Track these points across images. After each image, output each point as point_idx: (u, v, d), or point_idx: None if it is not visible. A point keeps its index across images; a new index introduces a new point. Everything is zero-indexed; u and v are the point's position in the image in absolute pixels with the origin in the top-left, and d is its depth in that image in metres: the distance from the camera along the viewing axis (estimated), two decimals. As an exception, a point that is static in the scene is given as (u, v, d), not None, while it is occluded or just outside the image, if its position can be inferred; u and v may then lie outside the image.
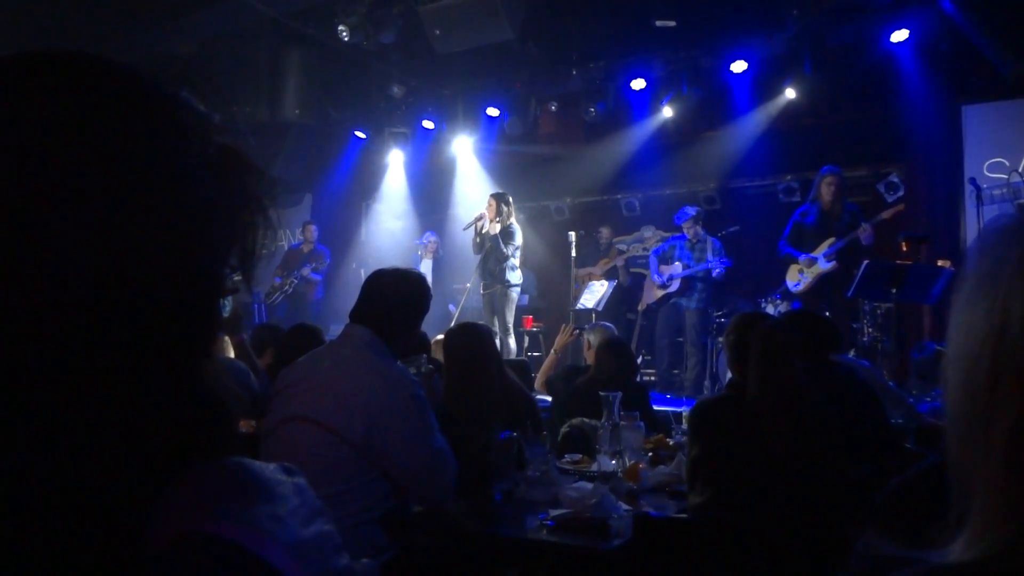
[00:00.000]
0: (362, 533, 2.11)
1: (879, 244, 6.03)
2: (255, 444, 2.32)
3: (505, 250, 6.64)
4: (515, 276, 6.80)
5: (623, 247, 8.67)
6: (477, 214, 6.89)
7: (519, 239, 6.81)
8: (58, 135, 0.45)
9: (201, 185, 0.51)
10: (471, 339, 3.07)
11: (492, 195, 6.91)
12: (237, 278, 0.56)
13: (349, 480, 2.13)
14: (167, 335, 0.48)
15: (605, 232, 8.54)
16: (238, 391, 2.98)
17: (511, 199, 6.89)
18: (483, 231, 6.80)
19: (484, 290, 6.90)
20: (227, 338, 3.51)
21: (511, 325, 6.81)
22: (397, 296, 2.39)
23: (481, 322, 5.08)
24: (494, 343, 3.24)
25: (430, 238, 8.46)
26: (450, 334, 3.22)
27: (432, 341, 4.38)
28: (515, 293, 6.83)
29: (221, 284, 0.54)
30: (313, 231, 8.73)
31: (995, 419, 0.51)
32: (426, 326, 2.66)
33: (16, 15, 6.08)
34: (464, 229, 7.07)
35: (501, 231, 6.68)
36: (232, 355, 3.56)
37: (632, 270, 8.51)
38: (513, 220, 6.81)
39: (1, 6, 6.12)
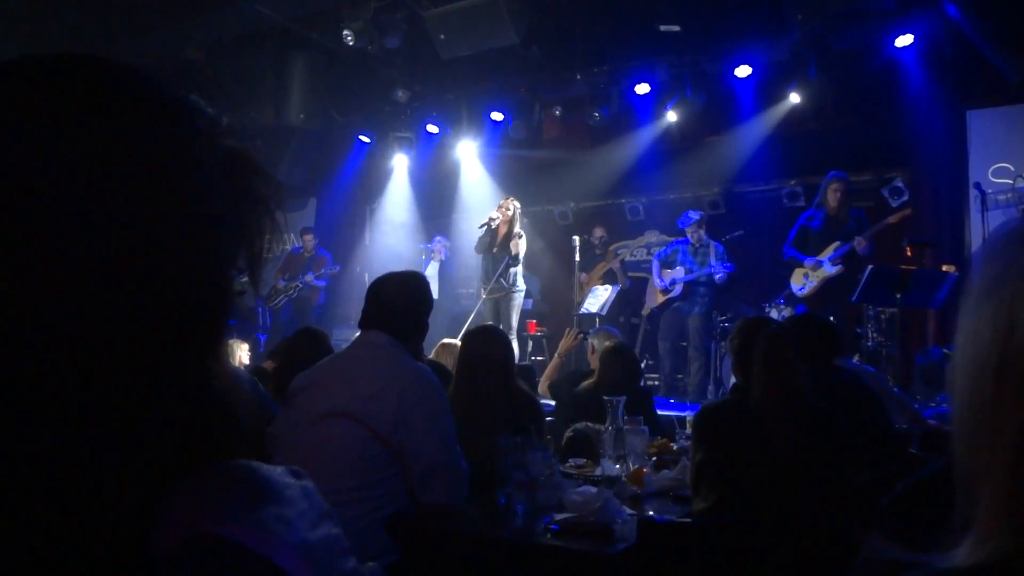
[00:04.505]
0: (370, 533, 2.13)
1: (883, 249, 6.02)
2: (263, 447, 2.33)
3: (520, 255, 6.72)
4: (521, 281, 6.91)
5: (621, 251, 8.67)
6: (493, 214, 6.92)
7: (525, 244, 6.90)
8: (68, 137, 0.46)
9: (210, 188, 0.52)
10: (489, 343, 3.09)
11: (510, 198, 6.97)
12: (244, 280, 0.56)
13: (374, 475, 2.18)
14: (175, 336, 0.49)
15: (598, 232, 8.52)
16: (250, 396, 2.99)
17: None
18: (495, 231, 6.85)
19: (489, 294, 6.92)
20: (235, 344, 3.52)
21: (515, 329, 6.85)
22: (405, 300, 2.48)
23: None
24: (511, 349, 3.26)
25: (439, 241, 8.47)
26: (468, 336, 3.24)
27: (439, 344, 4.38)
28: (521, 297, 6.90)
29: (229, 286, 0.54)
30: (310, 240, 8.75)
31: (1001, 423, 0.51)
32: (434, 329, 2.70)
33: (24, 20, 6.11)
34: (480, 227, 7.06)
35: (516, 235, 6.73)
36: (240, 361, 3.56)
37: (633, 274, 8.50)
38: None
39: (9, 10, 6.15)
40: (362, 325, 2.49)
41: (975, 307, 0.55)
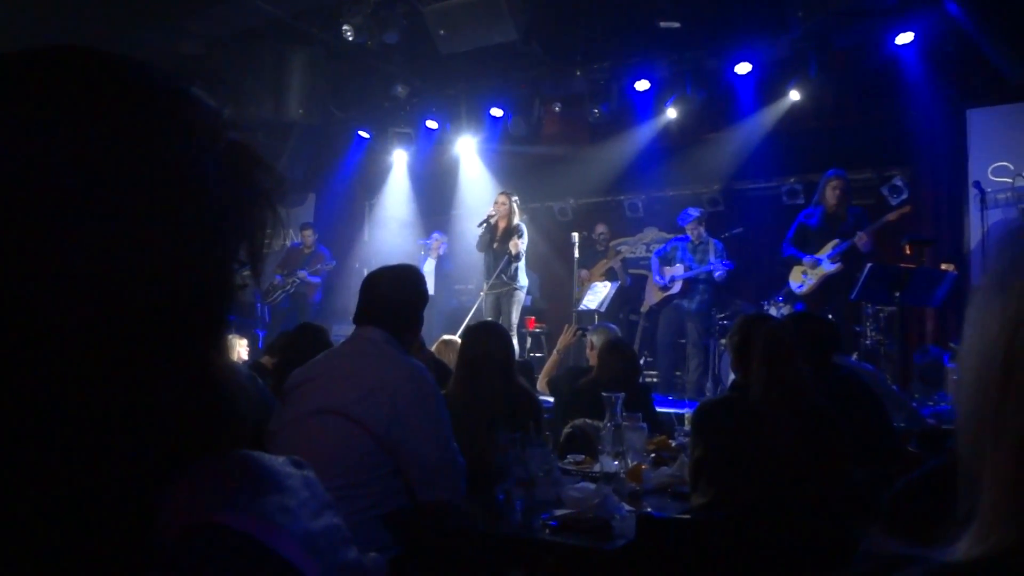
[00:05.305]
0: (368, 530, 2.12)
1: (882, 247, 6.02)
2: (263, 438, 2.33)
3: (521, 250, 6.68)
4: (523, 277, 6.85)
5: (622, 248, 8.66)
6: (491, 211, 6.90)
7: (526, 241, 6.87)
8: (67, 130, 0.46)
9: (211, 180, 0.52)
10: (490, 339, 3.09)
11: (506, 193, 6.93)
12: (245, 273, 0.56)
13: (365, 473, 2.17)
14: (177, 328, 0.49)
15: (600, 229, 8.52)
16: (250, 388, 2.99)
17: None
18: (495, 226, 6.83)
19: (491, 290, 6.90)
20: (234, 339, 3.51)
21: (516, 326, 6.83)
22: (399, 295, 2.44)
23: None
24: (511, 345, 3.25)
25: (436, 237, 8.48)
26: (468, 332, 3.24)
27: (439, 341, 4.39)
28: (522, 294, 6.88)
29: (230, 279, 0.54)
30: (310, 236, 8.74)
31: (1006, 416, 0.52)
32: (431, 325, 2.68)
33: (23, 14, 6.10)
34: (479, 225, 7.04)
35: (516, 230, 6.70)
36: (238, 357, 3.56)
37: (632, 271, 8.51)
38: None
39: (9, 4, 6.13)
40: (356, 321, 2.45)
41: (983, 302, 0.55)
